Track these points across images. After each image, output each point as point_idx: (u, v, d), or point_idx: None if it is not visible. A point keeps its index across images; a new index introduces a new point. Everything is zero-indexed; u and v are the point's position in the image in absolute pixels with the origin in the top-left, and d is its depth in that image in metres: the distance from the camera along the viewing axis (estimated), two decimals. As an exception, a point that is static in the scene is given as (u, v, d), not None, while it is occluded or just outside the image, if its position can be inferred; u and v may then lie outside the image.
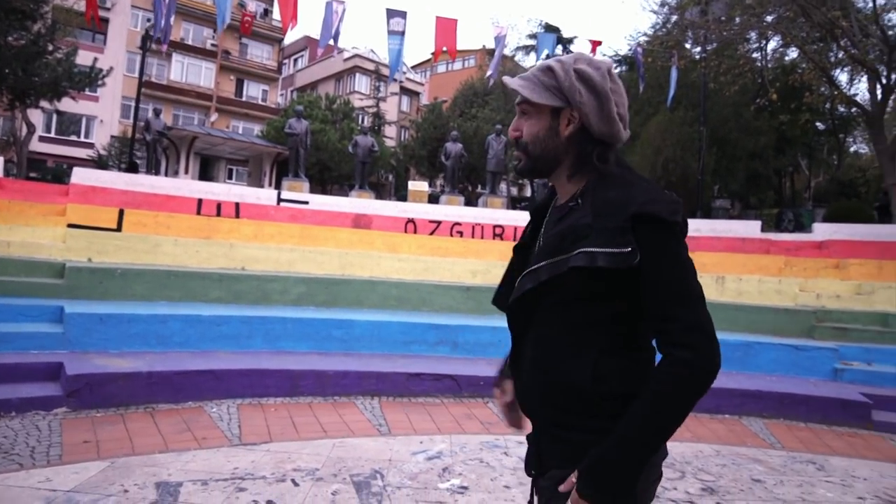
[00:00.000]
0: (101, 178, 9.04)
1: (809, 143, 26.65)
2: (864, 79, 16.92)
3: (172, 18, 14.22)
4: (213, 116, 33.02)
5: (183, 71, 33.38)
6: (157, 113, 14.46)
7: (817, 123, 25.03)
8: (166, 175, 20.19)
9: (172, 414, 4.47)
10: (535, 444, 1.28)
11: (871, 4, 14.45)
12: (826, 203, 21.45)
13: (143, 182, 9.49)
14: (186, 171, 22.76)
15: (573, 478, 1.11)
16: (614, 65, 1.15)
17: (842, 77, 20.90)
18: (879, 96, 13.87)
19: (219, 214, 9.13)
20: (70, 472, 3.15)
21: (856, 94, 19.74)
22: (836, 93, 17.31)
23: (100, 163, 25.50)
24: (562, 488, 1.13)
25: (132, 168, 15.91)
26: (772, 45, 22.21)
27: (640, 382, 1.12)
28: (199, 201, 9.18)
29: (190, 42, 33.74)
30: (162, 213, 8.36)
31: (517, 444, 4.14)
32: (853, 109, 20.16)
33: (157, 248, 7.67)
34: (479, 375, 5.57)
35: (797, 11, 13.88)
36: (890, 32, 14.29)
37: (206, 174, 28.40)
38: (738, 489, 3.58)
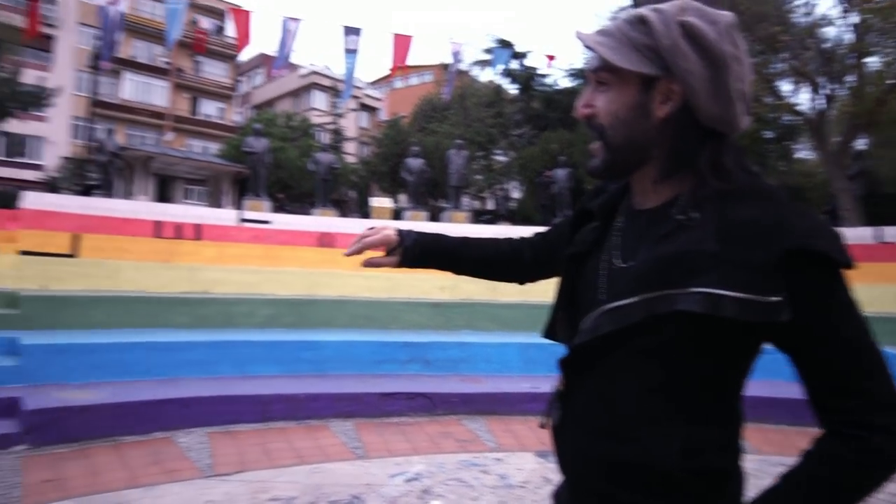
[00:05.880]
0: (53, 202, 8.78)
1: (759, 151, 27.72)
2: (807, 89, 17.73)
3: (120, 36, 13.95)
4: (169, 135, 32.36)
5: (135, 89, 32.66)
6: (109, 133, 14.12)
7: (765, 132, 26.06)
8: (122, 197, 19.72)
9: (139, 446, 4.32)
10: None
11: (804, 20, 15.18)
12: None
13: (97, 205, 9.23)
14: (144, 193, 22.23)
15: None
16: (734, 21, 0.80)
17: (785, 87, 21.88)
18: (823, 104, 14.56)
19: (178, 237, 8.93)
20: (35, 515, 3.01)
21: (798, 105, 20.67)
22: (780, 102, 18.07)
23: (51, 185, 24.68)
24: None
25: (86, 191, 15.48)
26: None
27: (735, 455, 0.90)
28: (158, 223, 8.97)
29: (141, 60, 33.03)
30: (120, 237, 8.14)
31: (495, 462, 4.15)
32: (797, 118, 21.07)
33: (116, 273, 7.44)
34: (453, 392, 5.57)
35: (741, 27, 14.53)
36: (824, 46, 15.04)
37: (163, 195, 27.79)
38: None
